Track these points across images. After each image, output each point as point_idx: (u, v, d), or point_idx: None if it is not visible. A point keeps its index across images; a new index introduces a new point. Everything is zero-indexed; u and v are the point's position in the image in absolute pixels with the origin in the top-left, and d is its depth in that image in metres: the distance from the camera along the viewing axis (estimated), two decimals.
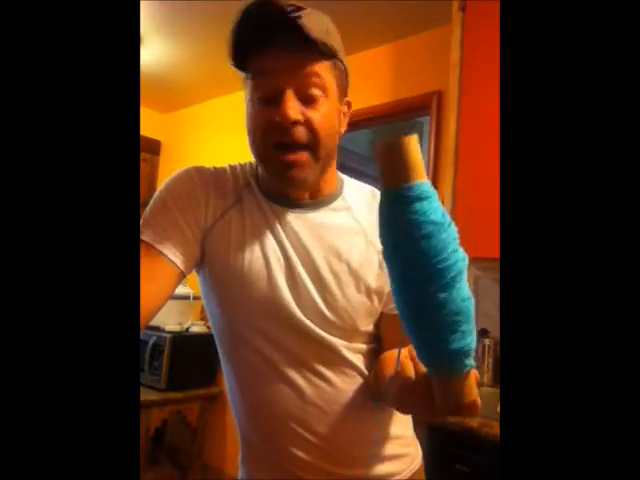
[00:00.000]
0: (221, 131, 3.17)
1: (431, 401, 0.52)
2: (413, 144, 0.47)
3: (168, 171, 3.43)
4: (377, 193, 0.84)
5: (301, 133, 0.69)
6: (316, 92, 0.70)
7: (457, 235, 0.49)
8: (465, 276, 0.50)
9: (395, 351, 0.58)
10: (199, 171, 0.78)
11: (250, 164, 0.83)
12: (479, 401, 0.52)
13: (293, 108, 0.68)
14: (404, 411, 0.63)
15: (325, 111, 0.71)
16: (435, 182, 2.14)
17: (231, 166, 0.82)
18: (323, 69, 0.71)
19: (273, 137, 0.70)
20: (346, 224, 0.78)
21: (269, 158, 0.72)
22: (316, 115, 0.70)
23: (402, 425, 0.84)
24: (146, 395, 2.54)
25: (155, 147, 3.53)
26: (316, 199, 0.79)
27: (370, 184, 0.86)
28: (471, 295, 0.50)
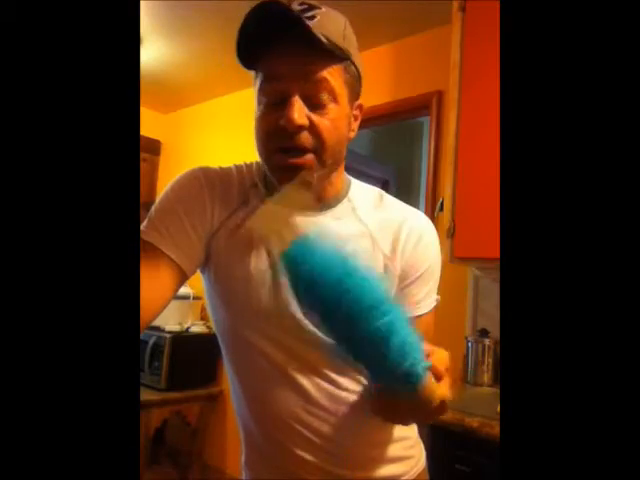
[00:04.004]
0: (221, 131, 3.17)
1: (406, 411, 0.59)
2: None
3: (168, 171, 3.43)
4: (384, 195, 0.83)
5: (306, 138, 0.68)
6: (324, 97, 0.68)
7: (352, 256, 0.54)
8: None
9: None
10: (205, 172, 0.78)
11: (257, 164, 0.81)
12: (447, 399, 0.57)
13: (299, 112, 0.66)
14: (386, 419, 0.67)
15: (333, 117, 0.69)
16: (435, 182, 2.14)
17: (237, 166, 0.81)
18: (333, 73, 0.69)
19: (277, 141, 0.69)
20: (351, 226, 0.77)
21: (274, 161, 0.71)
22: (323, 121, 0.68)
23: (406, 427, 0.84)
24: (146, 395, 2.53)
25: (155, 147, 3.52)
26: (322, 201, 0.77)
27: (370, 184, 0.86)
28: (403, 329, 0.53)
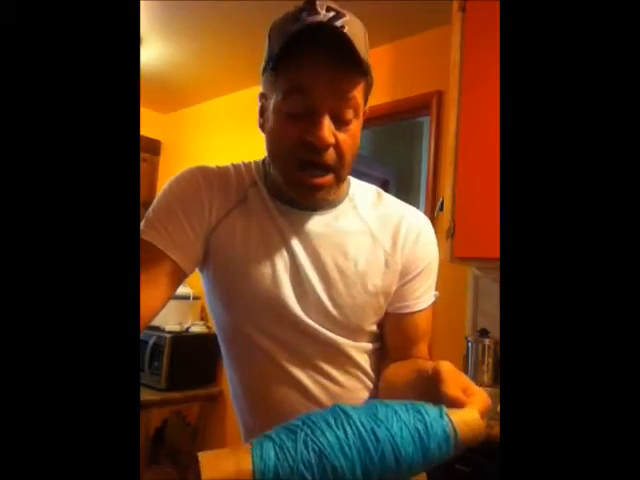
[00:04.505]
0: (221, 131, 3.17)
1: None
2: None
3: (168, 171, 3.43)
4: (382, 193, 0.84)
5: (330, 156, 0.68)
6: (349, 115, 0.68)
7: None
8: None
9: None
10: (203, 171, 0.78)
11: (256, 163, 0.82)
12: (483, 428, 0.54)
13: (328, 131, 0.66)
14: None
15: (353, 132, 0.69)
16: (435, 182, 2.14)
17: (235, 165, 0.81)
18: (359, 89, 0.68)
19: (301, 155, 0.68)
20: (352, 224, 0.78)
21: (296, 179, 0.70)
22: (345, 138, 0.68)
23: None
24: (146, 395, 2.53)
25: (155, 147, 3.52)
26: (325, 201, 0.78)
27: (371, 184, 0.86)
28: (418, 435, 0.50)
